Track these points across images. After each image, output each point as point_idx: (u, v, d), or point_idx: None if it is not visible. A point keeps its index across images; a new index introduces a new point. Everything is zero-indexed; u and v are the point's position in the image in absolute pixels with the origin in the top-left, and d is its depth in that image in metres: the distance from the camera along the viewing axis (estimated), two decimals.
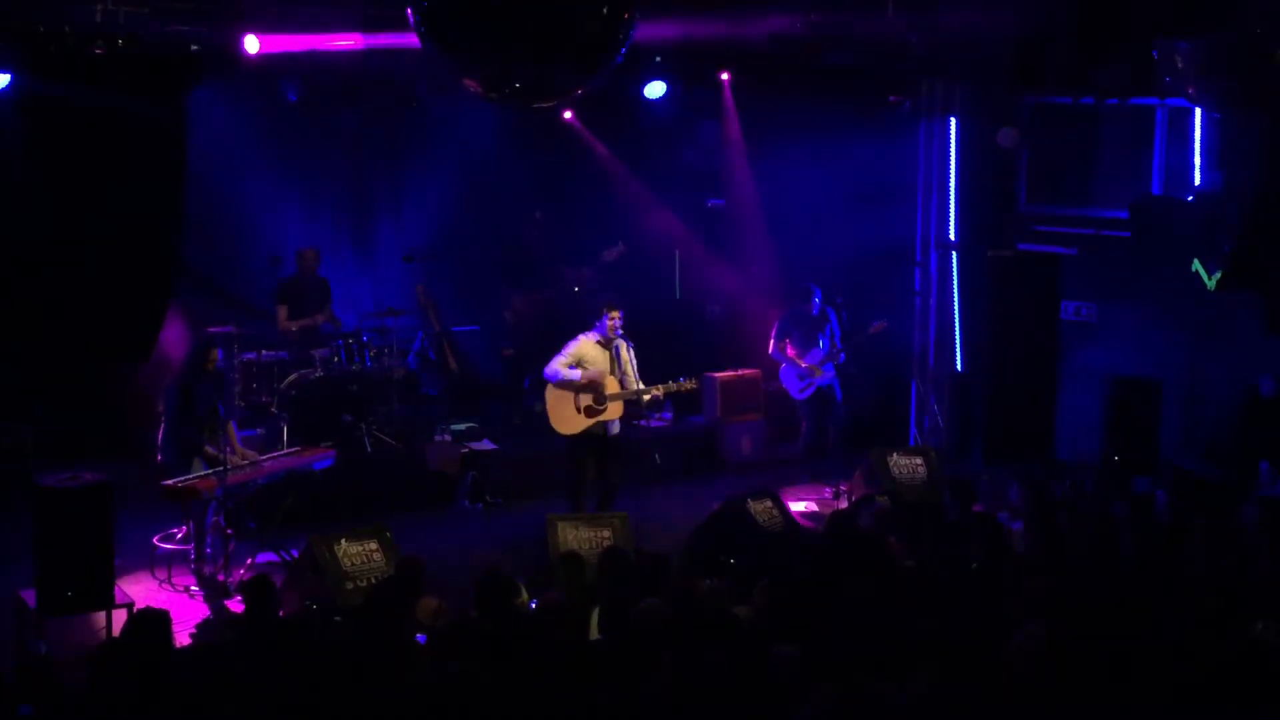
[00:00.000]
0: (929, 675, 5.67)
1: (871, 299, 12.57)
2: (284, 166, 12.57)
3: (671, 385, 10.30)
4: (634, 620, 6.51)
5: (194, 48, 10.00)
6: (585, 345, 10.15)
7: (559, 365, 10.08)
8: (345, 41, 10.47)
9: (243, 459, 9.72)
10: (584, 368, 10.09)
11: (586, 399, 10.10)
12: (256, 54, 10.09)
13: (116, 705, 5.83)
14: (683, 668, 5.63)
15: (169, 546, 9.59)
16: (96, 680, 6.05)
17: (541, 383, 10.36)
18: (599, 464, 10.23)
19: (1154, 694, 5.59)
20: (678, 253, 14.42)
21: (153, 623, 6.45)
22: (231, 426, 9.81)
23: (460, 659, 6.04)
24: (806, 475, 12.31)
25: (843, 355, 12.04)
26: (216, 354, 9.73)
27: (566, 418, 10.15)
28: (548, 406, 10.26)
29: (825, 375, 11.98)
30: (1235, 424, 11.54)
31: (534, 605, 7.37)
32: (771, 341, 12.13)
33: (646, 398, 10.19)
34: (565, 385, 10.07)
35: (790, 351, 12.00)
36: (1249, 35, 8.36)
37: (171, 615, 7.06)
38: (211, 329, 11.03)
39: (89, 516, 8.14)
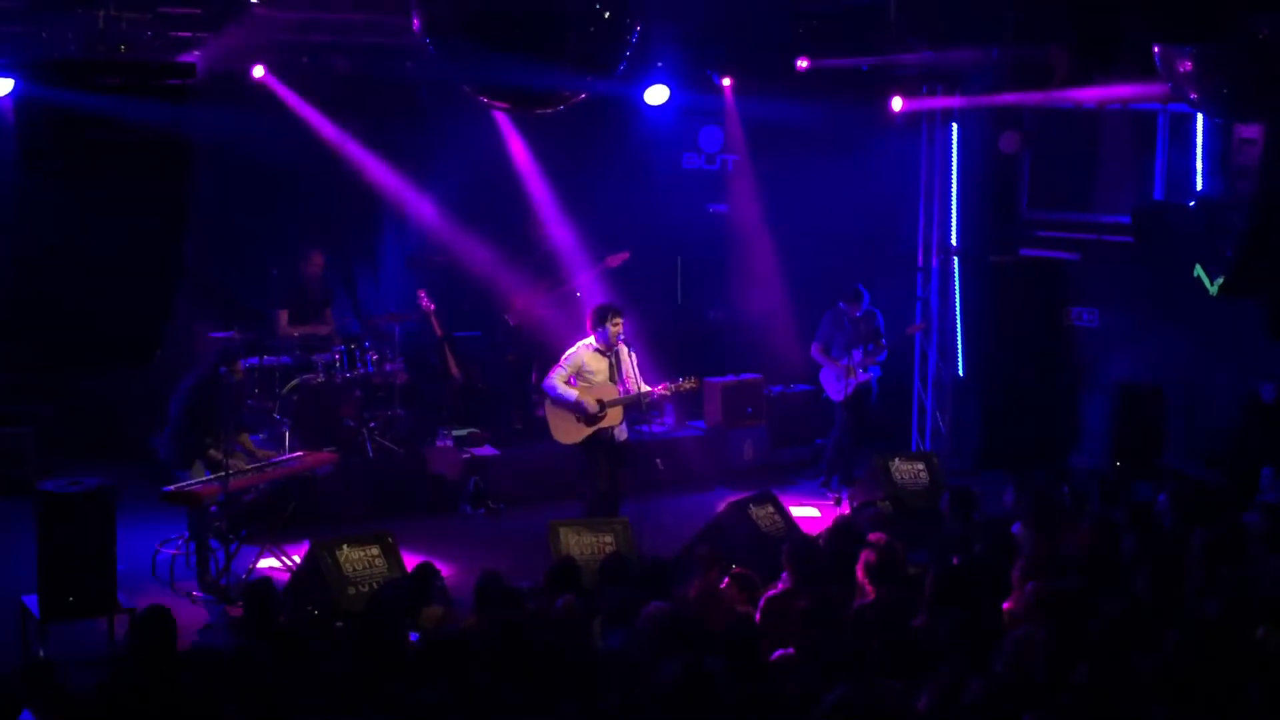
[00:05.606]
0: (931, 678, 5.67)
1: (873, 303, 12.58)
2: (286, 171, 12.57)
3: (671, 386, 10.29)
4: (636, 626, 6.50)
5: (196, 53, 10.03)
6: (584, 354, 10.09)
7: (557, 380, 10.03)
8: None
9: (254, 457, 9.74)
10: (584, 378, 10.06)
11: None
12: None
13: (119, 710, 5.82)
14: (686, 672, 5.62)
15: (171, 551, 9.61)
16: (106, 683, 6.03)
17: (542, 390, 10.35)
18: (610, 469, 10.22)
19: (1154, 700, 5.58)
20: (679, 258, 14.43)
21: (160, 620, 6.38)
22: (246, 435, 9.87)
23: (461, 665, 6.02)
24: (810, 479, 12.37)
25: (884, 353, 12.22)
26: (240, 365, 9.78)
27: (567, 427, 10.13)
28: (548, 416, 10.25)
29: (864, 374, 12.13)
30: (1237, 430, 11.53)
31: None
32: (814, 345, 12.31)
33: (646, 400, 10.17)
34: (561, 404, 10.06)
35: (831, 355, 12.18)
36: (1253, 41, 8.34)
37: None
38: (213, 334, 11.06)
39: (91, 521, 8.14)
